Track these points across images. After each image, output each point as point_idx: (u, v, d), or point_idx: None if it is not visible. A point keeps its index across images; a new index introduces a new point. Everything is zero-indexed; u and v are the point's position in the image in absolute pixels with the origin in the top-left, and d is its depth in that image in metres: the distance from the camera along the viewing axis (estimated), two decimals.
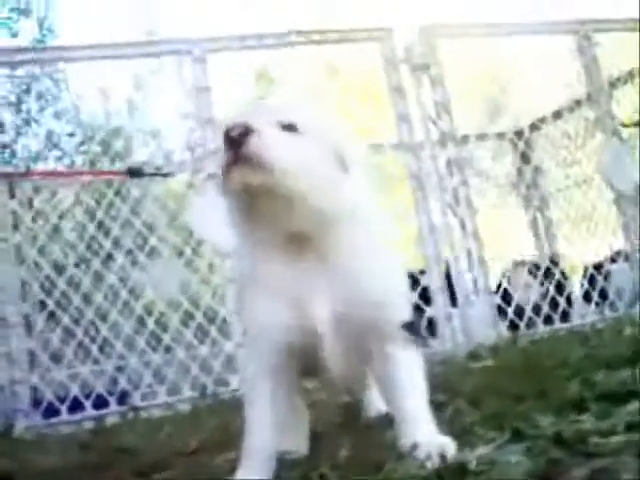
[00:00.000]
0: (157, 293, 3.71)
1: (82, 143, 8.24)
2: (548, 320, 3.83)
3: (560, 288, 3.98)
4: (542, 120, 4.83)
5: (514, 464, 1.07)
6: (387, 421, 1.48)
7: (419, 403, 1.32)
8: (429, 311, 3.59)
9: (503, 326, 3.72)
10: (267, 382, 1.36)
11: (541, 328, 3.76)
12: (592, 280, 4.12)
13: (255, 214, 1.26)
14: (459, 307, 3.64)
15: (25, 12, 9.65)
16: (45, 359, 3.37)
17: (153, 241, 3.73)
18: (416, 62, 3.81)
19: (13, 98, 8.67)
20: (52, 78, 8.57)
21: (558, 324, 3.81)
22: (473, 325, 3.61)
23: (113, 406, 3.27)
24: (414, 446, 1.23)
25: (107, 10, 10.93)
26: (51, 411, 3.21)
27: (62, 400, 3.24)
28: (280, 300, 1.30)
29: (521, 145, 4.61)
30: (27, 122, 8.88)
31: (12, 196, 3.59)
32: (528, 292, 3.98)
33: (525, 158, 4.81)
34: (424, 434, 1.26)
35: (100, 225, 3.86)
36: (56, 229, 4.13)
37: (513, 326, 3.74)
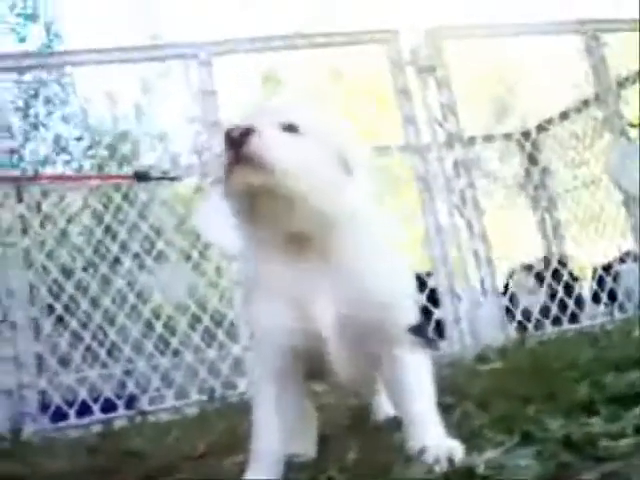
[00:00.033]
0: (165, 297, 3.71)
1: (90, 147, 8.25)
2: (557, 321, 3.81)
3: (569, 289, 3.96)
4: (550, 121, 4.81)
5: (523, 468, 1.06)
6: (395, 424, 1.47)
7: (427, 406, 1.32)
8: (437, 313, 3.58)
9: (511, 328, 3.71)
10: (273, 385, 1.36)
11: (549, 329, 3.74)
12: (601, 281, 4.09)
13: (256, 214, 1.26)
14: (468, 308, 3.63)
15: (32, 17, 9.73)
16: (53, 363, 3.37)
17: (160, 245, 3.73)
18: (422, 64, 3.81)
19: (21, 103, 8.70)
20: (59, 83, 8.61)
21: (567, 325, 3.79)
22: (481, 327, 3.60)
23: (121, 410, 3.26)
24: (422, 449, 1.22)
25: (111, 14, 10.97)
26: (59, 415, 3.20)
27: (70, 404, 3.23)
28: (282, 302, 1.30)
29: (528, 146, 4.57)
30: (35, 127, 8.92)
31: (20, 200, 3.59)
32: (536, 295, 3.96)
33: (533, 159, 4.79)
34: (432, 437, 1.26)
35: (108, 229, 3.86)
36: (64, 233, 4.13)
37: (521, 328, 3.73)
